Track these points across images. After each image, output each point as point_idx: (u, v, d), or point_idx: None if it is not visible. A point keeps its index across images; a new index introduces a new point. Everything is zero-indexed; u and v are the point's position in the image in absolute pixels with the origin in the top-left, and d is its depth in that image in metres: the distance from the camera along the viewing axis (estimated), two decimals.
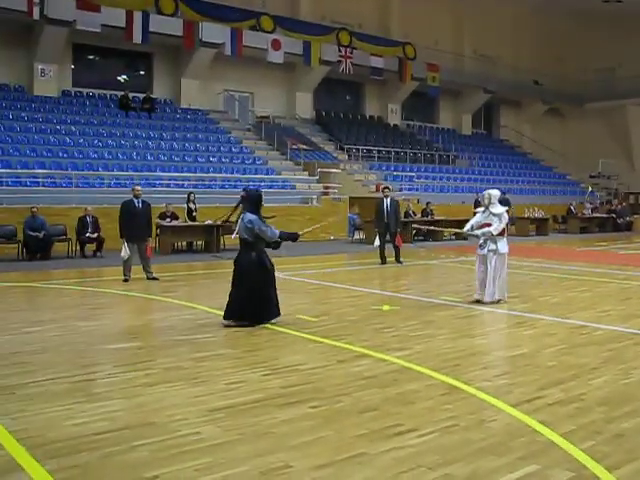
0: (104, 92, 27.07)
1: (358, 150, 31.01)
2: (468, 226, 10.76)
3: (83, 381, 6.16)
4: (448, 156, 34.32)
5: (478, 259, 10.62)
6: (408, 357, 7.04)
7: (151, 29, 25.50)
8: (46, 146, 22.02)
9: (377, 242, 16.52)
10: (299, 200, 24.32)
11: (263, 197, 8.77)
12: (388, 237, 16.72)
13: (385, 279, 14.33)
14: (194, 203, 19.56)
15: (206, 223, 18.72)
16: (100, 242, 17.26)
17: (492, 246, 10.38)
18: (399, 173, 30.11)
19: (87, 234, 17.14)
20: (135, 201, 13.19)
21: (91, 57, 27.95)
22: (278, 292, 8.84)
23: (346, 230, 24.14)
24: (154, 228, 15.75)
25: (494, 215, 10.49)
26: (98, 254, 17.23)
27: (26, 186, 19.25)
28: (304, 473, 4.17)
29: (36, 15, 23.19)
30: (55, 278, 13.23)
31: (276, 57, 29.01)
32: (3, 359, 6.85)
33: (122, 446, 4.55)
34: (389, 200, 16.81)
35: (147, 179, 21.60)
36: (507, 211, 10.88)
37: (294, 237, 9.11)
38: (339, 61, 31.09)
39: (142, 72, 29.09)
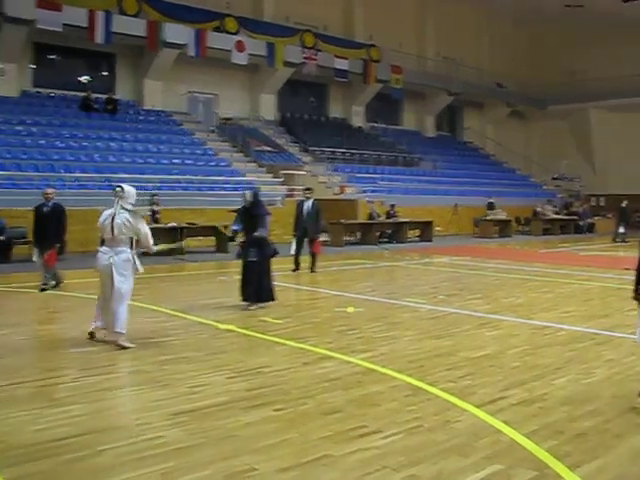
0: (66, 93, 26.63)
1: (322, 152, 31.01)
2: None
3: (46, 386, 6.08)
4: (412, 158, 34.51)
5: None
6: (372, 359, 7.06)
7: (114, 29, 25.18)
8: (6, 147, 21.62)
9: (293, 247, 15.25)
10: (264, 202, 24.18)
11: None
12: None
13: (349, 281, 14.36)
14: (158, 205, 19.41)
15: (170, 225, 18.57)
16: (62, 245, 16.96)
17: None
18: (363, 175, 30.18)
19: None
20: (44, 205, 12.27)
21: (52, 57, 27.48)
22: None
23: None
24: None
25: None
26: (59, 257, 16.93)
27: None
28: (269, 476, 4.17)
29: None
30: (16, 281, 13.01)
31: (240, 58, 28.90)
32: None
33: (85, 451, 4.51)
34: (310, 203, 15.54)
35: (109, 180, 21.32)
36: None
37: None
38: (303, 63, 31.06)
39: (105, 73, 28.71)
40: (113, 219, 7.72)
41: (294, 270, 15.10)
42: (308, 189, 16.22)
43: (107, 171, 22.03)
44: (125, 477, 4.11)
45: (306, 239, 15.39)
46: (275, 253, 10.79)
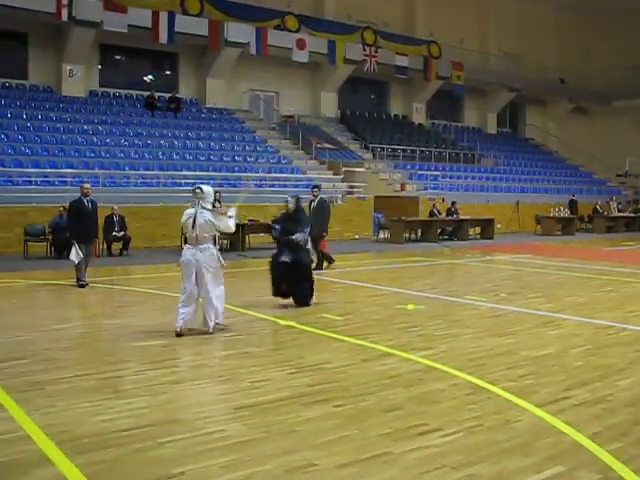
0: (130, 92, 27.29)
1: (383, 149, 30.94)
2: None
3: (111, 378, 6.23)
4: (473, 155, 34.12)
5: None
6: (433, 356, 7.03)
7: (177, 29, 25.62)
8: (74, 146, 22.24)
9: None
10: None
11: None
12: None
13: (409, 278, 14.29)
14: (220, 202, 19.64)
15: None
16: (126, 241, 17.39)
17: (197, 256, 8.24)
18: (424, 172, 29.98)
19: (114, 233, 17.28)
20: (84, 200, 12.27)
21: (118, 57, 28.20)
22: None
23: (371, 229, 24.10)
24: None
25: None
26: (124, 252, 17.37)
27: (55, 185, 19.44)
28: (328, 472, 4.20)
29: (65, 17, 23.42)
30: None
31: (301, 56, 29.02)
32: (33, 355, 6.95)
33: (149, 443, 4.61)
34: (317, 201, 15.10)
35: (173, 178, 21.75)
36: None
37: None
38: (364, 60, 31.02)
39: (168, 72, 29.26)
40: (195, 219, 8.07)
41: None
42: (316, 187, 15.68)
43: (170, 169, 22.44)
44: (187, 469, 4.19)
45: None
46: (311, 262, 10.70)
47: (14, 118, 22.81)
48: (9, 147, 21.04)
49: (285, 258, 10.06)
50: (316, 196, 15.24)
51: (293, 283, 10.08)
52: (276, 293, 10.18)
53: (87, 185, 12.60)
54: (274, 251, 10.53)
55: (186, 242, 8.43)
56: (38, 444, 4.56)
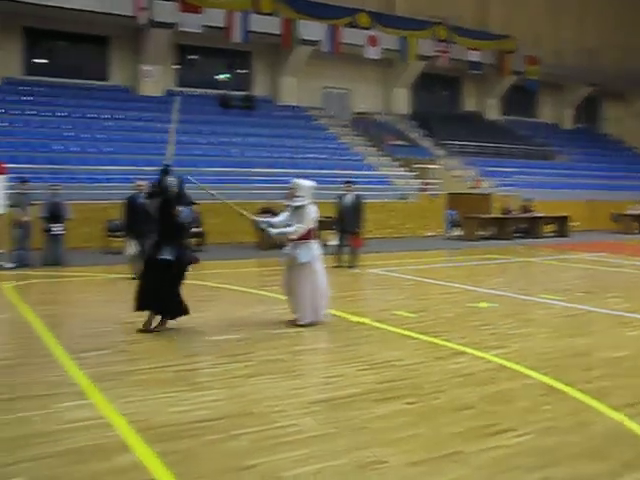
0: (206, 91, 27.81)
1: (455, 146, 30.62)
2: (265, 220, 8.91)
3: (186, 370, 6.40)
4: (548, 151, 33.40)
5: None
6: (506, 355, 6.95)
7: (250, 28, 26.00)
8: (151, 144, 22.78)
9: (334, 242, 14.87)
10: (397, 196, 24.28)
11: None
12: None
13: (482, 276, 14.13)
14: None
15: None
16: (203, 236, 17.75)
17: (293, 253, 8.45)
18: (497, 169, 29.54)
19: (191, 229, 17.62)
20: (138, 197, 12.52)
21: (193, 57, 28.76)
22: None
23: (444, 226, 23.92)
24: None
25: (296, 212, 8.47)
26: (201, 248, 17.70)
27: (133, 182, 19.92)
28: (399, 469, 4.21)
29: (143, 19, 24.15)
30: None
31: (373, 53, 29.01)
32: (114, 347, 7.20)
33: (222, 434, 4.71)
34: (350, 196, 14.94)
35: (247, 175, 22.07)
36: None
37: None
38: (436, 56, 30.79)
39: (242, 70, 29.68)
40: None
41: (336, 267, 14.14)
42: (348, 182, 15.38)
43: (244, 166, 22.77)
44: (259, 461, 4.26)
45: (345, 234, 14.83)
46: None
47: (96, 118, 23.59)
48: (91, 146, 21.77)
49: (168, 255, 7.97)
50: (349, 191, 15.05)
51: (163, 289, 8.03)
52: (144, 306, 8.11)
53: (140, 182, 12.91)
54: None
55: (311, 237, 8.48)
56: (119, 431, 4.73)
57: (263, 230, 9.07)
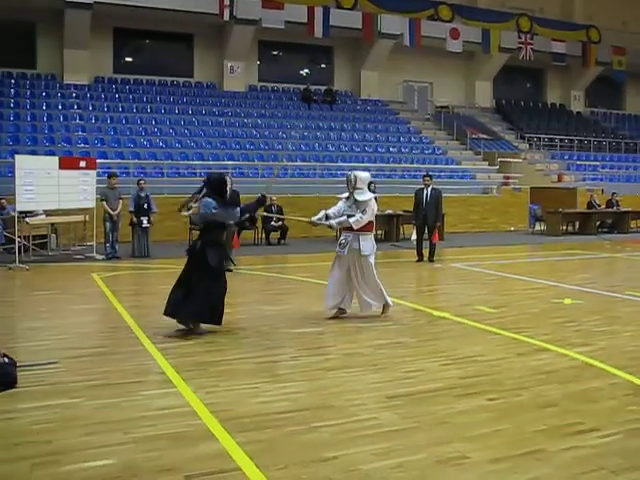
0: (288, 86, 28.12)
1: (539, 139, 29.96)
2: (320, 214, 8.52)
3: (268, 362, 6.49)
4: (636, 144, 32.25)
5: (336, 262, 8.52)
6: (591, 353, 6.77)
7: (331, 23, 26.09)
8: (234, 139, 23.23)
9: (414, 236, 14.77)
10: (479, 190, 23.94)
11: (228, 183, 7.52)
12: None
13: (566, 272, 13.78)
14: (374, 193, 19.76)
15: (386, 213, 18.83)
16: (284, 230, 17.95)
17: (354, 245, 8.32)
18: (582, 162, 28.75)
19: (272, 223, 17.87)
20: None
21: (275, 53, 29.11)
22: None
23: (527, 221, 23.43)
24: None
25: (358, 203, 8.35)
26: (282, 242, 17.94)
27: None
28: (480, 465, 4.16)
29: (226, 16, 24.58)
30: (243, 264, 13.89)
31: (455, 46, 28.68)
32: (197, 337, 7.36)
33: (303, 426, 4.76)
34: (429, 190, 14.68)
35: (329, 169, 22.17)
36: (375, 199, 8.70)
37: (255, 206, 7.92)
38: (519, 48, 30.18)
39: (323, 65, 29.82)
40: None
41: (417, 261, 14.48)
42: (427, 176, 15.16)
43: (326, 160, 22.88)
44: (340, 454, 4.28)
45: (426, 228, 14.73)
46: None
47: (181, 114, 24.17)
48: (176, 141, 22.30)
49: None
50: (427, 185, 14.84)
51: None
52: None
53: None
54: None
55: (371, 230, 8.57)
56: (204, 420, 4.84)
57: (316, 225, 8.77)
